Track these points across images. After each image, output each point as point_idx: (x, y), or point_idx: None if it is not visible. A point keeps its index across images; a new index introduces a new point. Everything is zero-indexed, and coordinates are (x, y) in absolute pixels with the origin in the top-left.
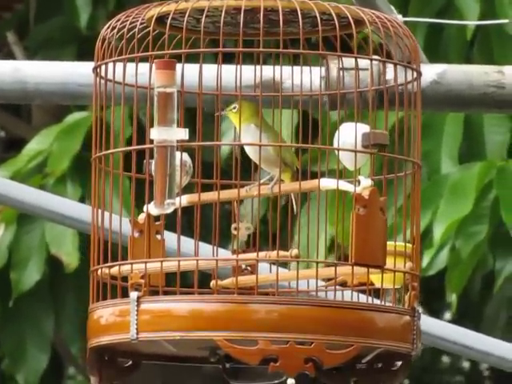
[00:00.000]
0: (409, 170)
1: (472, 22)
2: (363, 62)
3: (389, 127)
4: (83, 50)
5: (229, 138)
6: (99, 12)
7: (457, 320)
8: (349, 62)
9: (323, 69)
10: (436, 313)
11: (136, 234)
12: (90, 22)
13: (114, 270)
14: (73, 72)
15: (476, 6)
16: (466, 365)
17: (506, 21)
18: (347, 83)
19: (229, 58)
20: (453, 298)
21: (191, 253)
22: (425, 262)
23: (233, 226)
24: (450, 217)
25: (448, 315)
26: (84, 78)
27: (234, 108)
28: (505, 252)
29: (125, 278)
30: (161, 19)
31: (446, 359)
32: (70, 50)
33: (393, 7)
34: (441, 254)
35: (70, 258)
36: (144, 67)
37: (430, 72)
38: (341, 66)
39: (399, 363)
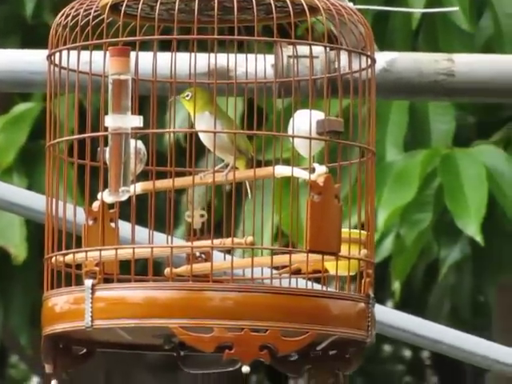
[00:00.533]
0: (357, 156)
1: (423, 10)
2: (314, 50)
3: (340, 114)
4: (28, 40)
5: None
6: (45, 1)
7: (400, 308)
8: (299, 49)
9: (273, 56)
10: (379, 301)
11: (90, 222)
12: (36, 11)
13: (68, 258)
14: (22, 59)
15: None
16: (407, 353)
17: (455, 8)
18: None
19: (182, 46)
20: (396, 285)
21: (145, 241)
22: None
23: (186, 213)
24: (394, 204)
25: (390, 304)
26: (34, 65)
27: (188, 96)
28: (449, 240)
29: (78, 266)
30: (115, 7)
31: (387, 348)
32: (13, 39)
33: None
34: (385, 242)
35: (17, 249)
36: (97, 55)
37: (380, 60)
38: (294, 53)
39: (352, 350)
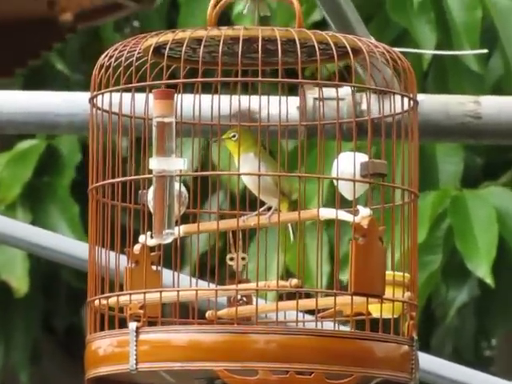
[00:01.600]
0: (401, 199)
1: (436, 52)
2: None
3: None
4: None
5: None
6: None
7: None
8: (325, 92)
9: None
10: None
11: (132, 265)
12: None
13: (111, 301)
14: (46, 101)
15: (432, 35)
16: None
17: (468, 52)
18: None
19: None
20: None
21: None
22: None
23: (228, 256)
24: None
25: None
26: (59, 107)
27: (234, 136)
28: (458, 282)
29: (120, 310)
30: (156, 49)
31: None
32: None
33: (371, 36)
34: None
35: (19, 283)
36: (139, 97)
37: (407, 102)
38: (333, 96)
39: None
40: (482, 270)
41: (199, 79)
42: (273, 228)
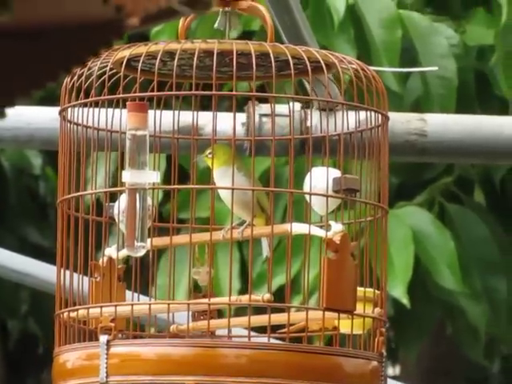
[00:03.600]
0: (371, 215)
1: (400, 70)
2: (281, 108)
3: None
4: None
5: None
6: None
7: None
8: (268, 108)
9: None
10: None
11: (97, 278)
12: None
13: (76, 314)
14: None
15: (353, 53)
16: None
17: (434, 68)
18: (268, 129)
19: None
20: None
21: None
22: None
23: (193, 269)
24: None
25: None
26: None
27: (210, 154)
28: None
29: (83, 323)
30: (126, 62)
31: None
32: None
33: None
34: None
35: None
36: (110, 111)
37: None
38: (281, 112)
39: None
40: (398, 290)
41: (176, 92)
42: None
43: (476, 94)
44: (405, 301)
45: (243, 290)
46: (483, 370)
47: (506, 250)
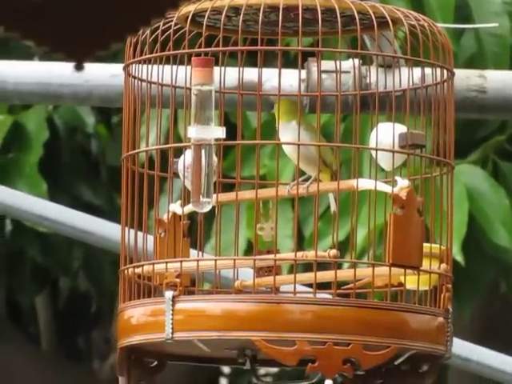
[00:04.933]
0: (438, 171)
1: (459, 26)
2: (344, 65)
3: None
4: None
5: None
6: None
7: None
8: (329, 65)
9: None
10: None
11: (161, 234)
12: None
13: (142, 270)
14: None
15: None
16: None
17: (494, 24)
18: (328, 86)
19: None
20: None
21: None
22: None
23: (258, 225)
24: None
25: None
26: (63, 78)
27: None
28: None
29: (148, 279)
30: (191, 17)
31: None
32: None
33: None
34: (364, 260)
35: None
36: (175, 67)
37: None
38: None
39: (427, 366)
40: (453, 247)
41: (241, 47)
42: (242, 204)
43: None
44: (459, 258)
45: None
46: None
47: None
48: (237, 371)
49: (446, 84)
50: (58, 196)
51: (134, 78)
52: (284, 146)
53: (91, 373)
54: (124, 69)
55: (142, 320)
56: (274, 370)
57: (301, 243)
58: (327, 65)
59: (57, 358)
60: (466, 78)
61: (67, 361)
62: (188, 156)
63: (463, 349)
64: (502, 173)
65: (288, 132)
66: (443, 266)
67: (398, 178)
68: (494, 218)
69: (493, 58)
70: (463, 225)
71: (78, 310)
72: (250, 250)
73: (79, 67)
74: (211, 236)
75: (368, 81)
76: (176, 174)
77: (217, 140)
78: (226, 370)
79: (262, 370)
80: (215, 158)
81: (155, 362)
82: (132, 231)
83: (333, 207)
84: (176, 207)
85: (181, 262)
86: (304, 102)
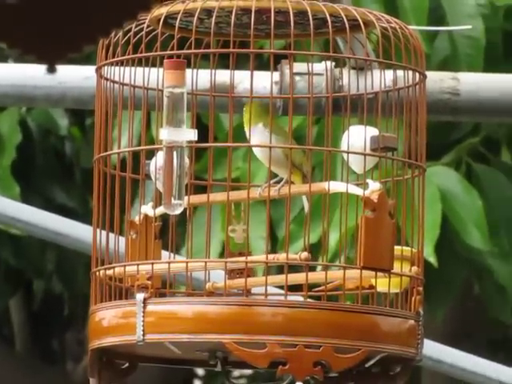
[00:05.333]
0: (410, 174)
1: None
2: (317, 67)
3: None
4: None
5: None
6: None
7: None
8: (301, 67)
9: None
10: None
11: (132, 236)
12: None
13: (113, 272)
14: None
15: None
16: None
17: (468, 27)
18: (301, 88)
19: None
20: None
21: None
22: None
23: (230, 227)
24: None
25: None
26: (37, 80)
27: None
28: None
29: (119, 281)
30: (163, 19)
31: None
32: None
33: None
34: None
35: None
36: (147, 69)
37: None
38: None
39: (398, 368)
40: (426, 249)
41: (214, 50)
42: (215, 206)
43: (503, 53)
44: (432, 260)
45: (271, 250)
46: (505, 330)
47: None
48: (211, 373)
49: (418, 87)
50: (31, 198)
51: (107, 79)
52: (254, 149)
53: (65, 374)
54: (96, 71)
55: (114, 322)
56: (249, 371)
57: (274, 245)
58: (300, 67)
59: (31, 359)
60: (439, 80)
61: (41, 362)
62: (160, 158)
63: (435, 351)
64: (476, 175)
65: (255, 134)
66: (414, 268)
67: (369, 181)
68: (467, 219)
69: (467, 60)
70: (436, 226)
71: (52, 312)
72: (224, 251)
73: (51, 69)
74: (186, 238)
75: (341, 83)
76: (148, 176)
77: (189, 142)
78: (200, 371)
79: (237, 372)
80: (187, 160)
81: (126, 364)
82: (104, 233)
83: (307, 209)
84: (148, 209)
85: (152, 264)
86: (277, 104)
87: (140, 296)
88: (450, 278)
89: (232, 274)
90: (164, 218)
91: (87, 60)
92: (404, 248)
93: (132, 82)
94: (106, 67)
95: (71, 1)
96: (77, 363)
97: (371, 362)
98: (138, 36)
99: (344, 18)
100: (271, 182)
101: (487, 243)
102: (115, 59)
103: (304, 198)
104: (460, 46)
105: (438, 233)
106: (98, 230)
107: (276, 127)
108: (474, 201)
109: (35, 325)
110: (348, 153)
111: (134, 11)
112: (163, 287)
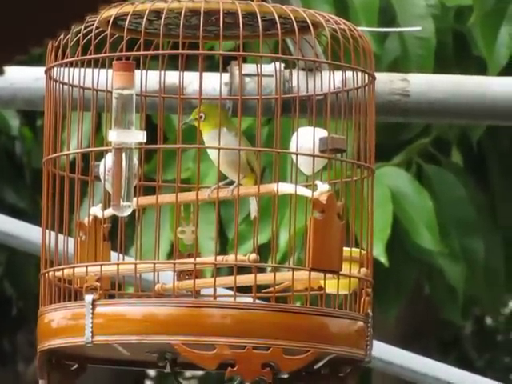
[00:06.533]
0: (359, 175)
1: (383, 29)
2: (266, 69)
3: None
4: None
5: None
6: None
7: None
8: (250, 68)
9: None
10: None
11: (82, 237)
12: None
13: (62, 274)
14: None
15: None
16: None
17: (417, 28)
18: (251, 89)
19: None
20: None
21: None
22: None
23: (178, 229)
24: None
25: None
26: None
27: (201, 117)
28: None
29: (69, 282)
30: (113, 21)
31: None
32: None
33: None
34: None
35: None
36: (96, 70)
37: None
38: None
39: (348, 369)
40: (376, 249)
41: (163, 51)
42: (164, 206)
43: (454, 54)
44: (383, 260)
45: (221, 251)
46: (457, 331)
47: (482, 210)
48: (162, 374)
49: (367, 88)
50: None
51: (56, 81)
52: (209, 152)
53: (16, 375)
54: (45, 72)
55: (63, 323)
56: (200, 372)
57: (225, 245)
58: (250, 68)
59: None
60: (389, 81)
61: None
62: (109, 159)
63: (385, 352)
64: (426, 175)
65: (215, 138)
66: (363, 270)
67: (318, 183)
68: (418, 220)
69: (417, 60)
70: (387, 227)
71: (3, 313)
72: (172, 252)
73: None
74: (135, 239)
75: (291, 84)
76: (97, 178)
77: (138, 144)
78: (152, 372)
79: (188, 373)
80: (136, 162)
81: (76, 366)
82: (53, 234)
83: (253, 213)
84: (97, 210)
85: (101, 265)
86: (227, 106)
87: (89, 298)
88: (400, 279)
89: (181, 275)
90: (113, 219)
91: (38, 61)
92: (353, 249)
93: (81, 84)
94: (55, 69)
95: (17, 2)
96: (28, 364)
97: (320, 364)
98: (87, 37)
99: (293, 19)
100: (221, 183)
101: (438, 244)
102: (64, 61)
103: (251, 200)
104: (410, 46)
105: (388, 233)
106: (47, 232)
107: (237, 131)
108: (425, 201)
109: None
110: (297, 154)
111: (82, 13)
112: (112, 289)
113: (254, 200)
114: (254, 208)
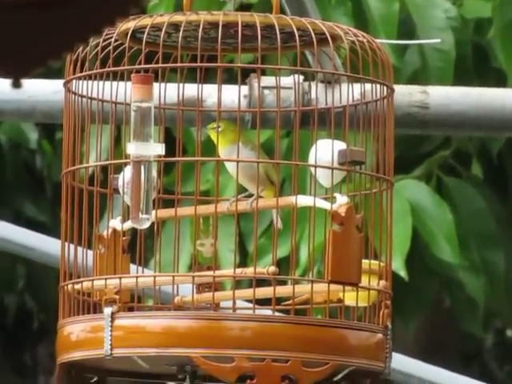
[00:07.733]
0: (378, 187)
1: (402, 42)
2: (283, 81)
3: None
4: None
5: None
6: None
7: None
8: (270, 81)
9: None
10: None
11: (101, 250)
12: None
13: (81, 287)
14: None
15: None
16: None
17: (436, 40)
18: (270, 102)
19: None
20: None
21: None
22: None
23: (198, 241)
24: (316, 239)
25: None
26: (6, 93)
27: (217, 128)
28: None
29: (87, 295)
30: (131, 34)
31: None
32: None
33: None
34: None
35: None
36: (115, 83)
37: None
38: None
39: (367, 382)
40: (396, 262)
41: (181, 64)
42: (184, 220)
43: (473, 66)
44: (402, 273)
45: (241, 264)
46: (477, 343)
47: (503, 222)
48: None
49: (385, 100)
50: (1, 212)
51: (75, 94)
52: (227, 165)
53: None
54: (64, 85)
55: (82, 336)
56: None
57: (245, 258)
58: (269, 81)
59: (2, 374)
60: (408, 93)
61: (13, 377)
62: (127, 172)
63: (405, 364)
64: (446, 188)
65: (233, 153)
66: (382, 282)
67: (337, 195)
68: (438, 233)
69: (436, 73)
70: (407, 240)
71: (24, 327)
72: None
73: (16, 84)
74: (154, 252)
75: (310, 97)
76: (116, 191)
77: (157, 156)
78: None
79: None
80: (155, 174)
81: (95, 378)
82: (72, 247)
83: (278, 224)
84: (116, 223)
85: (120, 278)
86: (246, 118)
87: (108, 310)
88: (420, 292)
89: (200, 288)
90: (133, 231)
91: (57, 74)
92: (372, 262)
93: (100, 97)
94: (74, 81)
95: (35, 16)
96: (49, 377)
97: (339, 376)
98: (105, 50)
99: (311, 31)
100: (240, 196)
101: (457, 257)
102: (83, 73)
103: (274, 212)
104: (430, 59)
105: (408, 246)
106: (66, 244)
107: (254, 145)
108: (445, 214)
109: (7, 339)
110: (316, 167)
111: (99, 26)
112: (131, 301)
113: (275, 212)
114: (275, 220)
